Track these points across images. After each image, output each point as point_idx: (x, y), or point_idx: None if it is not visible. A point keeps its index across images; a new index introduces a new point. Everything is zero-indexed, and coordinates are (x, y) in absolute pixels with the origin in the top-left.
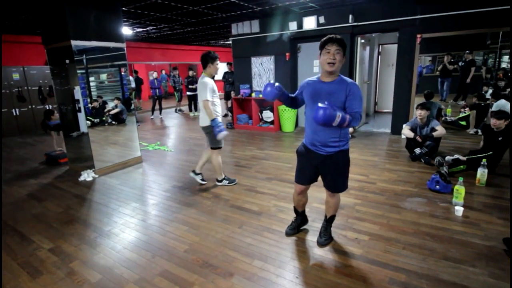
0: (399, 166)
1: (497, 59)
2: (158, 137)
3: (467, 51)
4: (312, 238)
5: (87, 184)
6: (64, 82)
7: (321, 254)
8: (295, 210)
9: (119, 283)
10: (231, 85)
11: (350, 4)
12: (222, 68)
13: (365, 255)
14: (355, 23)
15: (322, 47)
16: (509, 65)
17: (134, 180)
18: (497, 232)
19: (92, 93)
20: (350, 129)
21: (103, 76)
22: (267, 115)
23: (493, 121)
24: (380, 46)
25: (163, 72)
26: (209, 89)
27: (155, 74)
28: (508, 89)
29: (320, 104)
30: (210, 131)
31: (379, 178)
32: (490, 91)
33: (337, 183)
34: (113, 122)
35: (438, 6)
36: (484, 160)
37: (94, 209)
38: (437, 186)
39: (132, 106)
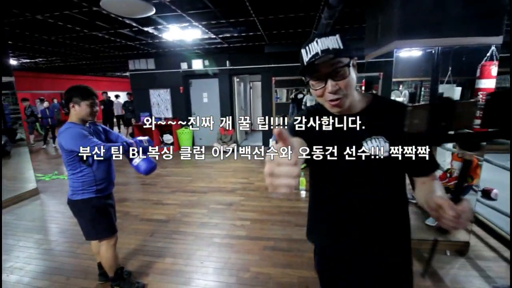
0: None
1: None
2: (54, 167)
3: (302, 88)
4: (211, 231)
5: None
6: None
7: (218, 240)
8: (119, 270)
9: None
10: (131, 112)
11: (227, 53)
12: (122, 97)
13: (248, 234)
14: (231, 67)
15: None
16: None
17: (32, 213)
18: None
19: None
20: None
21: None
22: (167, 138)
23: None
24: (251, 82)
25: (55, 101)
26: None
27: (46, 104)
28: None
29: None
30: None
31: (256, 179)
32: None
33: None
34: None
35: (282, 59)
36: None
37: None
38: None
39: (18, 136)
